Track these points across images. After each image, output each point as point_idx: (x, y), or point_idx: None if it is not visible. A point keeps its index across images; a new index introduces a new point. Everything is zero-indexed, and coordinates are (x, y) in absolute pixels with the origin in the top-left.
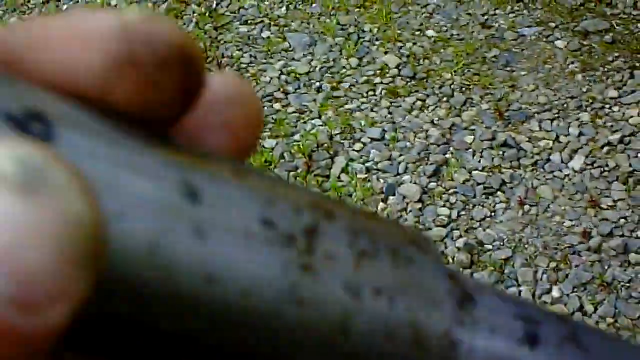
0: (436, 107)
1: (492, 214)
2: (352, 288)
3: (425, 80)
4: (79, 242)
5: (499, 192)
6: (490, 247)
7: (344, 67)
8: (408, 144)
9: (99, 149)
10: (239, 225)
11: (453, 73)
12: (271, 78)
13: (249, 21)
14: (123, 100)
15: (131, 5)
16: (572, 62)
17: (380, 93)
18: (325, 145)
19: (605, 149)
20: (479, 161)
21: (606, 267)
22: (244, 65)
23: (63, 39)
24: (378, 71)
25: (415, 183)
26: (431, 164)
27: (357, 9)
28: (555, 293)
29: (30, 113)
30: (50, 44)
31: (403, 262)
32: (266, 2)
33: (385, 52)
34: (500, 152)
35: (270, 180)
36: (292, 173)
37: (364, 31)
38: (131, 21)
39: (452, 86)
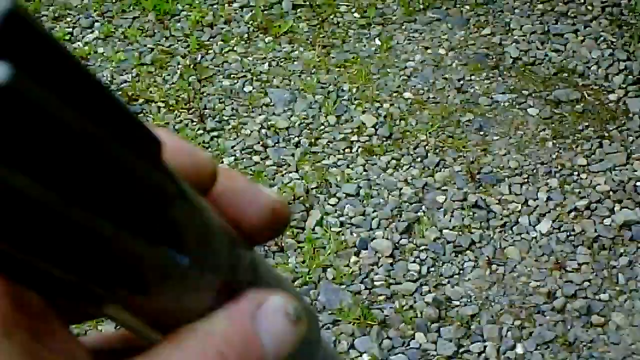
0: (410, 166)
1: (461, 271)
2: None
3: (400, 140)
4: None
5: (468, 251)
6: (457, 303)
7: (322, 124)
8: (382, 200)
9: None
10: None
11: (428, 135)
12: (251, 131)
13: (232, 75)
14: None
15: (117, 54)
16: (544, 130)
17: (357, 151)
18: (302, 198)
19: (572, 214)
20: (450, 220)
21: (569, 327)
22: (225, 118)
23: (245, 200)
24: (355, 129)
25: (387, 239)
26: (403, 221)
27: (337, 69)
28: (519, 350)
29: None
30: (236, 199)
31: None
32: (249, 58)
33: (363, 112)
34: (471, 213)
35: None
36: None
37: (343, 90)
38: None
39: (426, 147)
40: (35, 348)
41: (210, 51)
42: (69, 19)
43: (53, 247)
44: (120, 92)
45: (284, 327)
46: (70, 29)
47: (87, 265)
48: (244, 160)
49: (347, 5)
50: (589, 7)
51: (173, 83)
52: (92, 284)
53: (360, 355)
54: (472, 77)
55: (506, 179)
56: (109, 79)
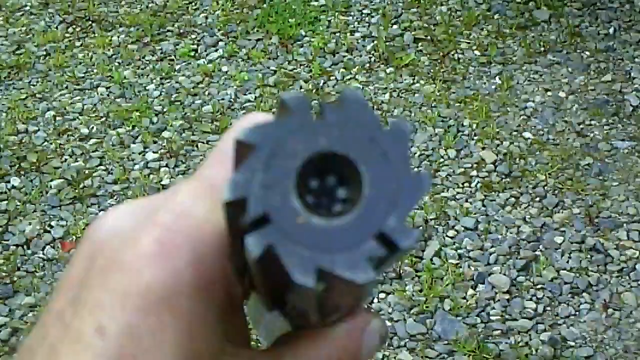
0: (529, 205)
1: (577, 313)
2: None
3: (520, 179)
4: None
5: (584, 293)
6: (573, 343)
7: (442, 157)
8: (500, 236)
9: None
10: None
11: (547, 175)
12: None
13: None
14: None
15: (241, 74)
16: None
17: (476, 186)
18: (421, 228)
19: None
20: (567, 262)
21: None
22: None
23: None
24: (475, 165)
25: (504, 274)
26: (521, 258)
27: (458, 104)
28: None
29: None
30: None
31: None
32: (370, 87)
33: (483, 148)
34: (589, 256)
35: None
36: None
37: (463, 125)
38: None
39: (545, 187)
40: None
41: (332, 78)
42: (193, 36)
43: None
44: (243, 111)
45: (377, 344)
46: (195, 46)
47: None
48: None
49: (468, 43)
50: None
51: None
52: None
53: None
54: (592, 122)
55: (624, 225)
56: (232, 97)
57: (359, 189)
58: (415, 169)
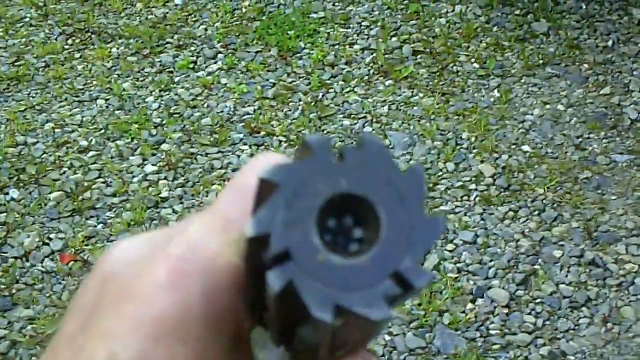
0: (528, 219)
1: (576, 327)
2: None
3: (518, 192)
4: None
5: (583, 308)
6: (572, 358)
7: (440, 170)
8: (499, 250)
9: None
10: None
11: (546, 189)
12: None
13: (352, 115)
14: None
15: (240, 86)
16: None
17: (475, 199)
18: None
19: None
20: (566, 276)
21: None
22: None
23: None
24: (473, 178)
25: (503, 288)
26: (520, 272)
27: (456, 117)
28: None
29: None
30: None
31: None
32: (369, 100)
33: (482, 161)
34: (587, 270)
35: None
36: None
37: (461, 138)
38: None
39: (544, 201)
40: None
41: (331, 90)
42: (193, 48)
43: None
44: (242, 124)
45: None
46: (194, 58)
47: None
48: None
49: (467, 55)
50: None
51: (294, 118)
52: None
53: None
54: (591, 135)
55: (623, 239)
56: (231, 110)
57: (376, 229)
58: (430, 213)
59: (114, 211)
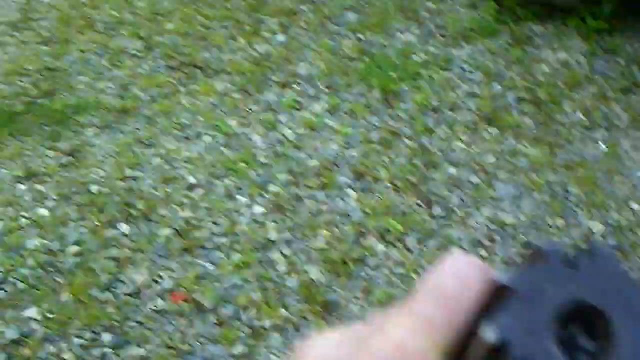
0: None
1: None
2: None
3: (630, 252)
4: None
5: None
6: None
7: (549, 226)
8: None
9: None
10: None
11: None
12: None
13: (458, 164)
14: None
15: (345, 128)
16: None
17: None
18: None
19: None
20: None
21: None
22: (451, 205)
23: None
24: (584, 235)
25: None
26: None
27: (564, 170)
28: None
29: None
30: None
31: None
32: (475, 149)
33: (591, 218)
34: None
35: None
36: None
37: (568, 192)
38: None
39: None
40: None
41: (435, 136)
42: (297, 88)
43: None
44: (349, 167)
45: None
46: (299, 98)
47: None
48: (469, 250)
49: (571, 104)
50: None
51: (401, 164)
52: None
53: None
54: None
55: None
56: (338, 152)
57: (610, 343)
58: None
59: (224, 252)
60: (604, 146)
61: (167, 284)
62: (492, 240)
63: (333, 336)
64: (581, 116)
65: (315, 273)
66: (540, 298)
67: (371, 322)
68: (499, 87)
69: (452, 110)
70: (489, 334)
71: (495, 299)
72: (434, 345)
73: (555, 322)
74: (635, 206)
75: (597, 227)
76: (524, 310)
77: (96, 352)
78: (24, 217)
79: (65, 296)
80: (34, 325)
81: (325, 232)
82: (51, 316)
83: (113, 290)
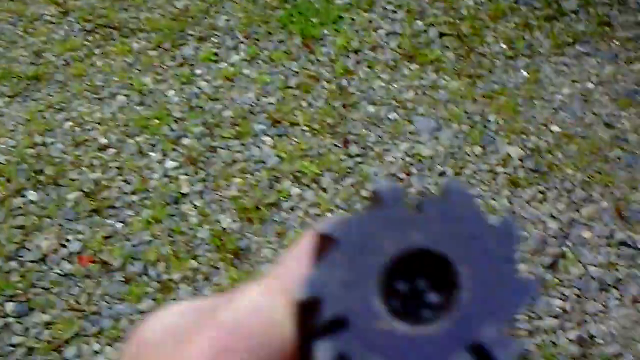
0: (556, 200)
1: (605, 309)
2: None
3: (547, 173)
4: None
5: (613, 289)
6: (601, 341)
7: (467, 154)
8: (526, 233)
9: None
10: None
11: (575, 169)
12: (395, 158)
13: (376, 102)
14: None
15: (262, 76)
16: None
17: (502, 182)
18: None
19: None
20: (596, 257)
21: None
22: (369, 144)
23: None
24: (501, 161)
25: (531, 272)
26: (548, 255)
27: (484, 99)
28: None
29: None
30: None
31: None
32: (395, 85)
33: (509, 143)
34: (617, 250)
35: None
36: None
37: (489, 121)
38: None
39: (573, 182)
40: None
41: (355, 77)
42: (214, 40)
43: None
44: (265, 114)
45: None
46: (216, 50)
47: None
48: None
49: (494, 36)
50: None
51: (318, 107)
52: None
53: None
54: (621, 113)
55: None
56: (254, 100)
57: (454, 292)
58: (522, 274)
59: (134, 209)
60: (525, 73)
61: (75, 247)
62: (408, 173)
63: (182, 305)
64: (503, 46)
65: (227, 222)
66: (369, 247)
67: (233, 290)
68: (421, 24)
69: (372, 50)
70: (298, 289)
71: (319, 254)
72: (289, 311)
73: (385, 273)
74: (555, 128)
75: (516, 151)
76: (346, 262)
77: None
78: None
79: None
80: None
81: (238, 180)
82: None
83: (18, 258)
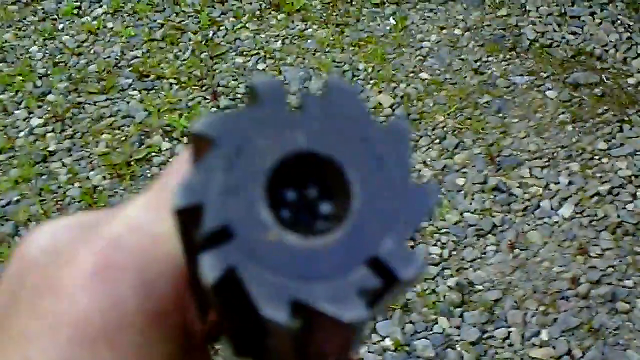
0: (429, 148)
1: (483, 255)
2: None
3: (418, 121)
4: None
5: (489, 235)
6: (480, 287)
7: None
8: None
9: None
10: None
11: (446, 116)
12: None
13: (244, 52)
14: None
15: (127, 29)
16: (563, 113)
17: None
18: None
19: (595, 199)
20: (471, 203)
21: (594, 314)
22: (239, 95)
23: None
24: (372, 109)
25: None
26: None
27: (352, 48)
28: (544, 336)
29: None
30: None
31: None
32: (262, 35)
33: (380, 92)
34: (492, 196)
35: None
36: None
37: (358, 69)
38: None
39: (444, 129)
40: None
41: (222, 28)
42: None
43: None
44: (131, 68)
45: None
46: (78, 3)
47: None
48: None
49: None
50: None
51: (185, 59)
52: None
53: (383, 340)
54: (489, 59)
55: (526, 162)
56: (118, 54)
57: (347, 201)
58: (420, 179)
59: (1, 169)
60: (392, 21)
61: None
62: None
63: (65, 220)
64: None
65: (97, 179)
66: (248, 148)
67: (120, 204)
68: None
69: None
70: (175, 197)
71: (196, 157)
72: (170, 217)
73: (270, 178)
74: (424, 75)
75: (386, 99)
76: (224, 165)
77: None
78: None
79: None
80: None
81: (107, 136)
82: None
83: None
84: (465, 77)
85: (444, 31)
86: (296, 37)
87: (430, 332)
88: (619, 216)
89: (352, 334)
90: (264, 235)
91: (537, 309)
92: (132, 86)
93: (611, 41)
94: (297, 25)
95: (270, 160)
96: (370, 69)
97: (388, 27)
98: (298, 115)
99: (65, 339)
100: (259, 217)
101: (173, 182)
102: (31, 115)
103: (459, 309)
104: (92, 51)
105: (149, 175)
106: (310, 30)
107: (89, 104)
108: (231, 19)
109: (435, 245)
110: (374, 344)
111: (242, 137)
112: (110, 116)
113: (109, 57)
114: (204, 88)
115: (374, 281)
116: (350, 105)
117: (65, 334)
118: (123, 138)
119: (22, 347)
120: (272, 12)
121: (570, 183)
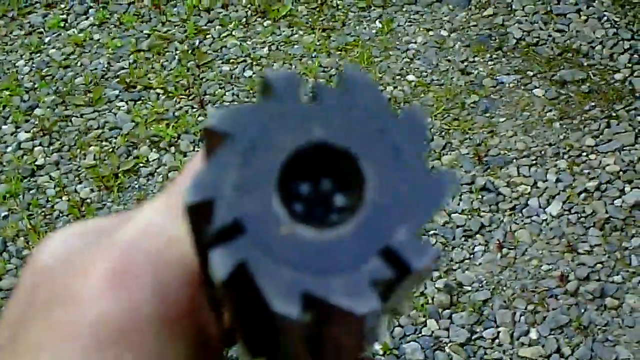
0: None
1: (472, 256)
2: None
3: None
4: None
5: (478, 235)
6: (469, 288)
7: None
8: None
9: None
10: None
11: (433, 117)
12: None
13: (231, 60)
14: None
15: (113, 41)
16: (550, 110)
17: None
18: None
19: (582, 195)
20: (459, 204)
21: (583, 311)
22: (226, 103)
23: None
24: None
25: None
26: None
27: (339, 52)
28: (533, 335)
29: None
30: None
31: None
32: (249, 42)
33: None
34: (480, 196)
35: None
36: None
37: None
38: None
39: (432, 130)
40: None
41: (208, 36)
42: (62, 6)
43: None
44: (118, 79)
45: None
46: (65, 16)
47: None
48: None
49: None
50: None
51: (171, 69)
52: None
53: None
54: (476, 59)
55: (514, 160)
56: (105, 66)
57: (361, 192)
58: (435, 169)
59: None
60: (378, 24)
61: None
62: None
63: (77, 227)
64: None
65: (85, 191)
66: (264, 143)
67: (133, 209)
68: None
69: (224, 7)
70: (187, 193)
71: (209, 152)
72: (182, 219)
73: (284, 172)
74: (411, 77)
75: None
76: (238, 160)
77: None
78: None
79: None
80: None
81: (95, 148)
82: None
83: None
84: (452, 77)
85: (430, 33)
86: (282, 43)
87: (420, 335)
88: (607, 212)
89: (364, 328)
90: (276, 229)
91: (525, 308)
92: (119, 97)
93: (597, 38)
94: (284, 32)
95: (284, 153)
96: None
97: (374, 31)
98: (313, 107)
99: (82, 345)
100: (271, 211)
101: (183, 186)
102: (18, 130)
103: (447, 310)
104: (79, 63)
105: (136, 186)
106: (296, 35)
107: (76, 116)
108: (217, 27)
109: None
110: None
111: (256, 132)
112: (97, 128)
113: (95, 69)
114: (191, 97)
115: (387, 272)
116: (367, 96)
117: (80, 342)
118: (110, 150)
119: (37, 356)
120: (258, 19)
121: (558, 180)
